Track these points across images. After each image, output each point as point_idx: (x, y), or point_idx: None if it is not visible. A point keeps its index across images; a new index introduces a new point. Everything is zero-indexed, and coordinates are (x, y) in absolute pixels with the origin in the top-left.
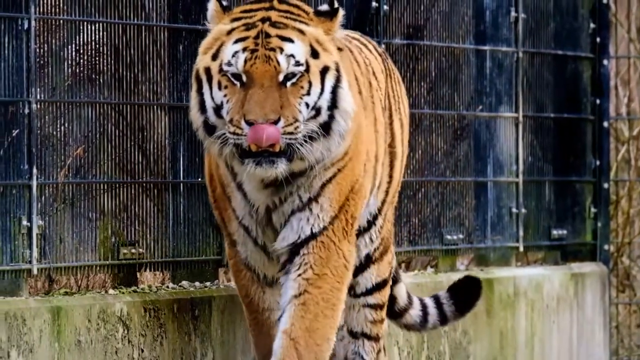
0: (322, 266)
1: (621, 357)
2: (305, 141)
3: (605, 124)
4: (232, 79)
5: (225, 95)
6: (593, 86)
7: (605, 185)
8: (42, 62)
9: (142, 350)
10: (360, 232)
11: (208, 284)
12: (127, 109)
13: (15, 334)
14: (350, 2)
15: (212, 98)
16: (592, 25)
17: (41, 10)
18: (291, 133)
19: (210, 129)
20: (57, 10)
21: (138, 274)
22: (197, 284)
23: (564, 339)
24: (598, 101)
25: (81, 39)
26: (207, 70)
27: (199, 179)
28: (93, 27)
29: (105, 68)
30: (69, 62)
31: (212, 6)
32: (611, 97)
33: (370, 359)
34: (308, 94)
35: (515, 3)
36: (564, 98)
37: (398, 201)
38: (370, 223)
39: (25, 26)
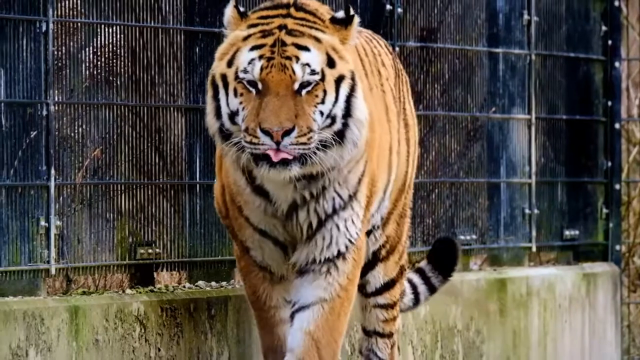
0: (354, 269)
1: (633, 356)
2: (318, 149)
3: (617, 125)
4: (248, 86)
5: (241, 103)
6: (605, 88)
7: (617, 186)
8: (60, 64)
9: (159, 349)
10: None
11: (224, 283)
12: (144, 111)
13: (34, 333)
14: (364, 5)
15: (228, 105)
16: (603, 28)
17: (59, 13)
18: (304, 143)
19: (226, 134)
20: (75, 13)
21: (155, 273)
22: (213, 283)
23: (576, 339)
24: (609, 103)
25: (99, 42)
26: (224, 77)
27: (215, 180)
28: (110, 30)
29: (122, 70)
30: (87, 65)
31: (229, 12)
32: (623, 99)
33: (383, 355)
34: (323, 102)
35: (527, 6)
36: (576, 100)
37: (412, 201)
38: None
39: (44, 29)
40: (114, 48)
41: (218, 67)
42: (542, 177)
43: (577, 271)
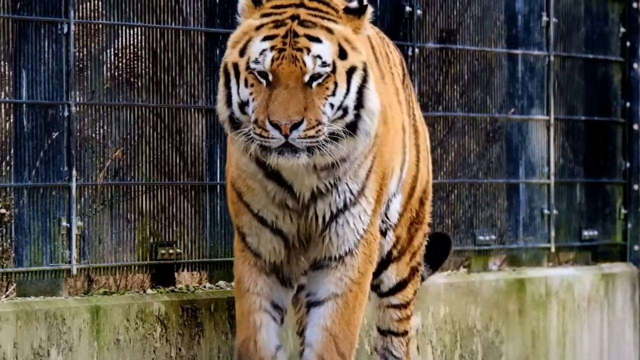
0: (365, 263)
1: None
2: (327, 141)
3: (635, 126)
4: (259, 77)
5: (251, 93)
6: (623, 89)
7: (635, 187)
8: (81, 65)
9: (180, 349)
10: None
11: None
12: (164, 112)
13: (55, 333)
14: (384, 7)
15: (239, 94)
16: (622, 30)
17: (80, 14)
18: (312, 136)
19: (235, 123)
20: (96, 14)
21: (176, 274)
22: (233, 283)
23: (594, 339)
24: (628, 104)
25: (120, 43)
26: (235, 66)
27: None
28: (131, 32)
29: (143, 71)
30: (108, 66)
31: (242, 0)
32: None
33: (399, 353)
34: (333, 94)
35: (546, 8)
36: (594, 101)
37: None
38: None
39: (65, 30)
40: (135, 49)
41: (230, 55)
42: (560, 178)
43: (595, 271)
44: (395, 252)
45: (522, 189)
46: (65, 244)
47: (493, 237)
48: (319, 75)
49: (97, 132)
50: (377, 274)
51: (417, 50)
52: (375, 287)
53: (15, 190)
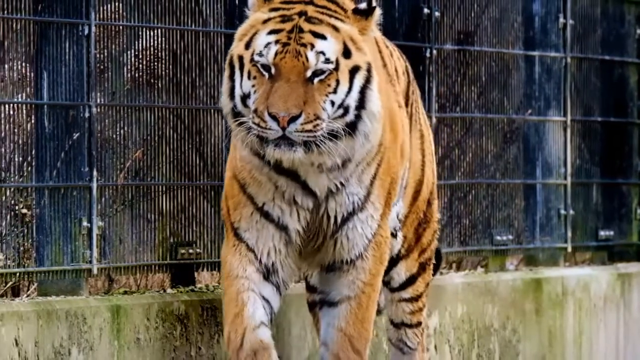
0: (376, 264)
1: None
2: (325, 137)
3: None
4: (262, 70)
5: (253, 86)
6: (639, 90)
7: None
8: (102, 67)
9: (200, 348)
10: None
11: None
12: (185, 113)
13: (76, 332)
14: (402, 9)
15: (241, 86)
16: (638, 31)
17: (101, 16)
18: (310, 130)
19: (237, 115)
20: (117, 16)
21: (195, 273)
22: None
23: (610, 338)
24: None
25: (140, 45)
26: (240, 58)
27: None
28: (152, 33)
29: (163, 73)
30: (128, 67)
31: None
32: None
33: (413, 344)
34: (334, 92)
35: (563, 10)
36: (611, 102)
37: (449, 203)
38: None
39: (86, 32)
40: (155, 51)
41: (236, 47)
42: (577, 179)
43: (611, 271)
44: (403, 251)
45: (539, 190)
46: (86, 244)
47: (510, 237)
48: (321, 72)
49: (118, 133)
50: (387, 272)
51: (435, 51)
52: (386, 283)
53: (36, 191)
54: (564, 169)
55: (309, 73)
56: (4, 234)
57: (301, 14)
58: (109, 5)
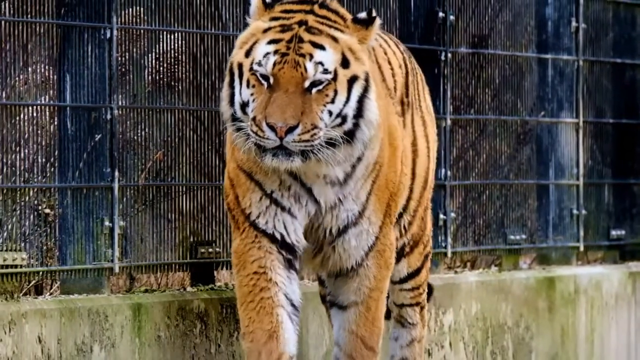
0: (381, 270)
1: None
2: (322, 146)
3: None
4: (261, 79)
5: (252, 94)
6: None
7: None
8: (123, 70)
9: (219, 345)
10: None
11: None
12: (204, 115)
13: (98, 329)
14: (418, 13)
15: (241, 94)
16: None
17: (123, 20)
18: (307, 140)
19: (236, 122)
20: (138, 20)
21: (215, 272)
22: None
23: (622, 335)
24: None
25: (161, 48)
26: (240, 66)
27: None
28: (172, 37)
29: (183, 75)
30: (149, 70)
31: (254, 2)
32: None
33: (413, 321)
34: (332, 102)
35: (576, 13)
36: (622, 104)
37: (463, 203)
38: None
39: (108, 35)
40: (176, 54)
41: (237, 55)
42: (589, 179)
43: (623, 270)
44: (407, 249)
45: (552, 190)
46: (108, 243)
47: (523, 236)
48: (320, 82)
49: (139, 134)
50: None
51: (449, 55)
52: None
53: (59, 191)
54: (577, 170)
55: (307, 83)
56: (27, 233)
57: (301, 23)
58: (130, 10)
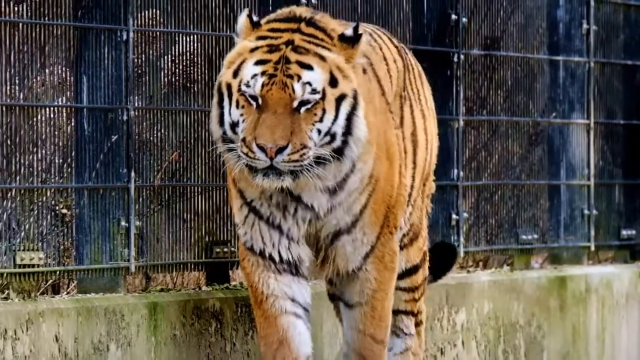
0: (382, 272)
1: None
2: (312, 166)
3: None
4: (249, 99)
5: (242, 115)
6: None
7: None
8: (139, 71)
9: (234, 344)
10: None
11: None
12: None
13: (114, 328)
14: (431, 15)
15: (230, 114)
16: None
17: (139, 22)
18: (296, 160)
19: (227, 141)
20: (154, 22)
21: (230, 271)
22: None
23: (632, 334)
24: None
25: (177, 50)
26: (229, 87)
27: None
28: (188, 39)
29: (199, 77)
30: (165, 72)
31: (241, 20)
32: None
33: (408, 331)
34: (321, 121)
35: (587, 16)
36: (632, 105)
37: (475, 203)
38: None
39: (124, 38)
40: (191, 56)
41: (225, 75)
42: (600, 179)
43: (633, 269)
44: (406, 240)
45: (563, 190)
46: (124, 243)
47: (535, 236)
48: (308, 102)
49: (155, 135)
50: None
51: (462, 56)
52: None
53: (76, 191)
54: (588, 170)
55: (295, 104)
56: (44, 233)
57: (288, 43)
58: (146, 12)
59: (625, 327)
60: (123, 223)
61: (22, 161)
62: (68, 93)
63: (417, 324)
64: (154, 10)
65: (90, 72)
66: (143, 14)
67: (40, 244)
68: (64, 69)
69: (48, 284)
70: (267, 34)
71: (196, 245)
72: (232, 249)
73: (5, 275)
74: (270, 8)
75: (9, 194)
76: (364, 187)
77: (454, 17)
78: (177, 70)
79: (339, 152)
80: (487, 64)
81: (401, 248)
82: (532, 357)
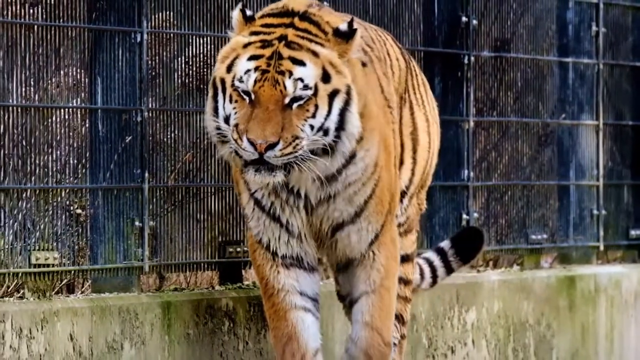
0: (388, 261)
1: None
2: (305, 159)
3: None
4: (242, 94)
5: (234, 109)
6: None
7: None
8: (153, 73)
9: (247, 343)
10: None
11: None
12: None
13: (128, 327)
14: (441, 17)
15: (224, 108)
16: None
17: (153, 24)
18: (289, 153)
19: (221, 134)
20: (168, 24)
21: (243, 271)
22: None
23: None
24: None
25: (190, 52)
26: (222, 81)
27: None
28: (201, 41)
29: None
30: (179, 73)
31: (235, 15)
32: None
33: (394, 337)
34: (313, 116)
35: (596, 18)
36: None
37: (486, 203)
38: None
39: (138, 40)
40: (205, 58)
41: (219, 70)
42: (609, 180)
43: None
44: (401, 230)
45: (572, 191)
46: (138, 243)
47: (545, 236)
48: (300, 98)
49: (169, 136)
50: None
51: (472, 58)
52: None
53: (90, 192)
54: (596, 171)
55: (287, 100)
56: (59, 233)
57: (281, 38)
58: (160, 14)
59: (633, 326)
60: (137, 223)
61: (37, 162)
62: (83, 94)
63: (402, 336)
64: (168, 13)
65: (104, 73)
66: (157, 16)
67: (55, 244)
68: (78, 70)
69: (63, 283)
70: (261, 30)
71: (209, 245)
72: (245, 248)
73: (20, 274)
74: None
75: (24, 195)
76: (368, 177)
77: (464, 19)
78: (190, 72)
79: (331, 147)
80: (497, 66)
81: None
82: (542, 356)
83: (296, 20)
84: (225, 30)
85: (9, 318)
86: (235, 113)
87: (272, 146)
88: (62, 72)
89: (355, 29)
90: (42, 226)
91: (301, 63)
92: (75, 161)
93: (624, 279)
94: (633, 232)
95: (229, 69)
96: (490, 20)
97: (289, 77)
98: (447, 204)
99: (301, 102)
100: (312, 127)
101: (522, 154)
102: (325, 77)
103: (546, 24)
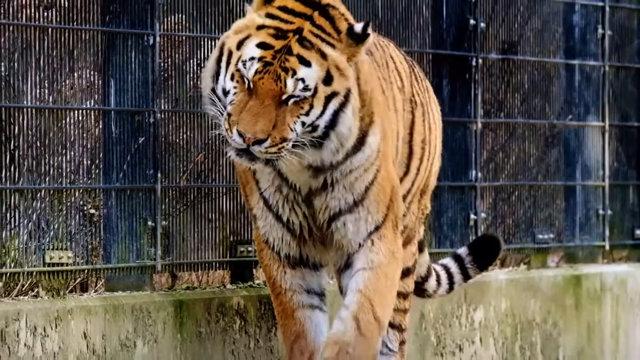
0: (388, 252)
1: None
2: (290, 152)
3: None
4: (243, 78)
5: (234, 87)
6: None
7: None
8: (166, 75)
9: (258, 341)
10: None
11: None
12: None
13: (141, 325)
14: (450, 20)
15: (225, 82)
16: None
17: (165, 27)
18: (273, 153)
19: (214, 98)
20: (180, 27)
21: (254, 270)
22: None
23: None
24: None
25: (202, 54)
26: (230, 54)
27: None
28: (213, 43)
29: None
30: (191, 75)
31: None
32: None
33: (393, 347)
34: (307, 114)
35: (602, 21)
36: None
37: (493, 203)
38: None
39: (151, 42)
40: None
41: (230, 39)
42: (615, 180)
43: None
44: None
45: (579, 191)
46: (151, 242)
47: (551, 235)
48: (298, 97)
49: (181, 137)
50: None
51: (480, 60)
52: None
53: (104, 192)
54: (602, 172)
55: (284, 97)
56: (73, 233)
57: (296, 32)
58: (172, 17)
59: (639, 325)
60: (150, 223)
61: (51, 162)
62: (96, 96)
63: (401, 342)
64: (180, 15)
65: (117, 75)
66: (169, 18)
67: (68, 243)
68: (92, 72)
69: (76, 282)
70: (278, 14)
71: (221, 245)
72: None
73: (35, 273)
74: None
75: (38, 195)
76: (371, 163)
77: (472, 22)
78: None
79: (319, 142)
80: (504, 68)
81: None
82: (548, 354)
83: (315, 15)
84: None
85: (24, 316)
86: (234, 94)
87: (259, 142)
88: (75, 74)
89: (368, 34)
90: (56, 226)
91: (307, 64)
92: (89, 162)
93: (630, 278)
94: (638, 232)
95: (239, 45)
96: (498, 23)
97: (292, 76)
98: (455, 204)
99: (297, 99)
100: (303, 123)
101: (529, 154)
102: (327, 80)
103: (553, 27)
